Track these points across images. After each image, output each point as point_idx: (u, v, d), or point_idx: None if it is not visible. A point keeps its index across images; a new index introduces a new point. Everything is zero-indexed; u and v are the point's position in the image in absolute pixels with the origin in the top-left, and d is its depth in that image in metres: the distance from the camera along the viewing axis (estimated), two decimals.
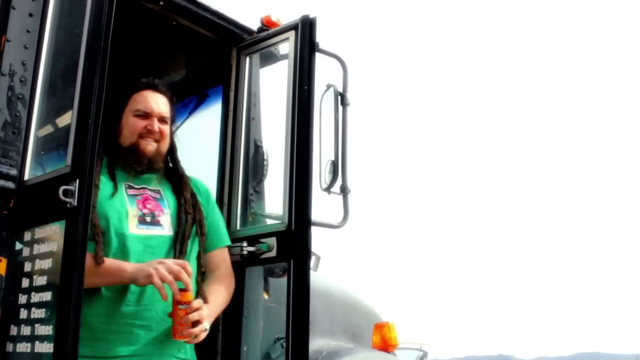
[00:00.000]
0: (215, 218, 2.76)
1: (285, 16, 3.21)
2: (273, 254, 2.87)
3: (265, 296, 3.28)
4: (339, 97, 3.04)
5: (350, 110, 3.04)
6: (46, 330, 2.17)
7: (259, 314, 3.16)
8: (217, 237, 2.72)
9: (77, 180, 2.16)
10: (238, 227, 3.12)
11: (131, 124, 2.57)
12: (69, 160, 2.26)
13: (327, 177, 2.94)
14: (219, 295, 2.61)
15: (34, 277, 2.29)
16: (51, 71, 2.56)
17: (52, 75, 2.57)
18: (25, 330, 2.26)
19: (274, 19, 3.23)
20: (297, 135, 2.89)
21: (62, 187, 2.16)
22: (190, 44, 3.74)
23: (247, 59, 3.29)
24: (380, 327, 4.51)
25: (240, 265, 3.02)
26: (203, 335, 2.41)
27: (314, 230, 2.82)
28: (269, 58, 3.33)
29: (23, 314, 2.28)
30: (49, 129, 2.78)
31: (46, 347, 2.14)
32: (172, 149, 2.70)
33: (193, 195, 2.66)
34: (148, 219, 2.50)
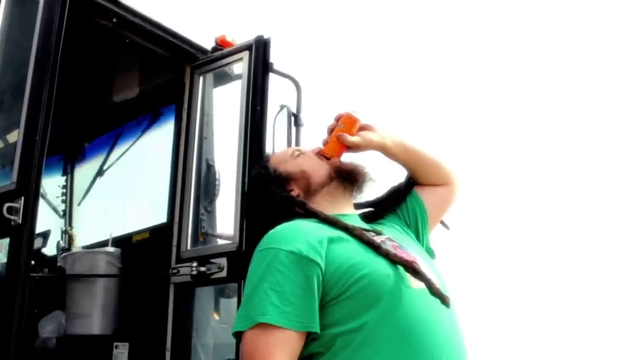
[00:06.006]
0: None
1: (240, 37, 3.22)
2: (223, 274, 2.85)
3: (216, 317, 3.25)
4: (292, 118, 3.05)
5: (303, 131, 3.06)
6: None
7: (209, 334, 3.13)
8: None
9: (22, 198, 2.13)
10: (189, 247, 3.10)
11: None
12: (14, 177, 2.22)
13: None
14: None
15: None
16: None
17: None
18: None
19: (228, 38, 3.23)
20: (250, 156, 2.88)
21: (7, 204, 2.12)
22: (144, 62, 3.72)
23: (201, 78, 3.28)
24: None
25: (190, 286, 3.00)
26: None
27: None
28: (222, 78, 3.33)
29: None
30: None
31: None
32: None
33: None
34: None
